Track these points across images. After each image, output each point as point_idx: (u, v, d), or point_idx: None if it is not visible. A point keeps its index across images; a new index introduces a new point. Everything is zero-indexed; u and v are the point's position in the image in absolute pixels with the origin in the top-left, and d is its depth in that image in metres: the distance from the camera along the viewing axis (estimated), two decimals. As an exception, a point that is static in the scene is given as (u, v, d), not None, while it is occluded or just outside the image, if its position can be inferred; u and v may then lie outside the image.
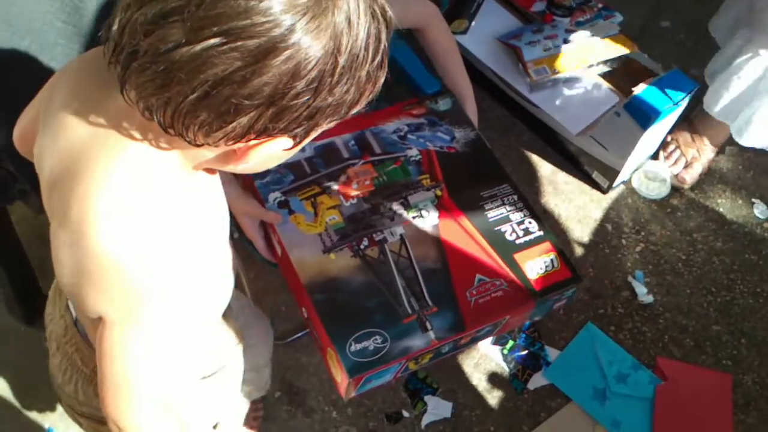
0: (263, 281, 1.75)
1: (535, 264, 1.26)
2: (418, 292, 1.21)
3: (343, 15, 0.65)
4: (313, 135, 0.75)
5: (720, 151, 2.09)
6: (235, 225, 1.25)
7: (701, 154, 2.03)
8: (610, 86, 1.83)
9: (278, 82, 0.64)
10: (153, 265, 0.73)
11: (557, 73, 1.76)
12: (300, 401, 1.70)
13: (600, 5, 1.89)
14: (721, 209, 2.03)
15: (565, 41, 1.82)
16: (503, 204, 1.32)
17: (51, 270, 1.47)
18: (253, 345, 1.30)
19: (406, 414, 1.69)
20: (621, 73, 1.85)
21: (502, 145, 2.03)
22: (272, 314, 1.75)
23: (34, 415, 1.69)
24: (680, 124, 2.04)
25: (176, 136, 0.69)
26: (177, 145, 0.73)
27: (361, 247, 1.24)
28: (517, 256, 1.26)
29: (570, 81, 1.81)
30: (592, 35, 1.83)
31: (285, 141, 0.71)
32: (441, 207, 1.30)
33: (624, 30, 1.89)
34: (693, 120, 2.05)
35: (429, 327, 1.17)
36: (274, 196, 1.27)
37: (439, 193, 1.32)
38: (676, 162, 2.05)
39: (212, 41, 0.62)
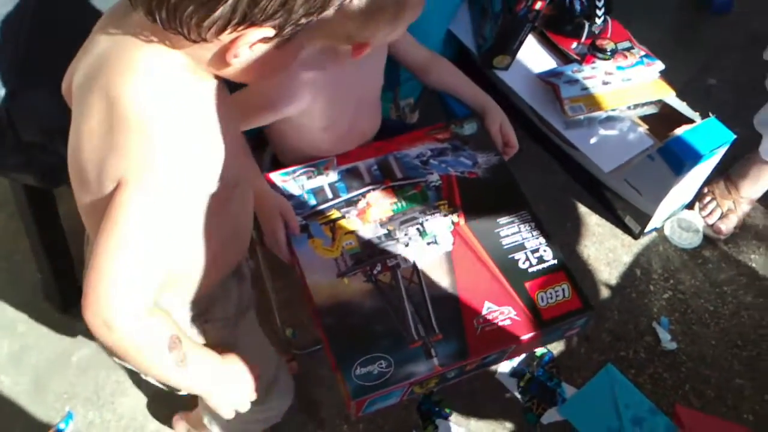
0: (287, 292, 1.79)
1: (546, 293, 1.28)
2: (426, 318, 1.23)
3: None
4: (307, 39, 0.85)
5: (756, 206, 2.08)
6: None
7: (737, 206, 2.03)
8: (645, 129, 1.84)
9: None
10: (169, 133, 0.80)
11: (593, 111, 1.79)
12: (313, 413, 1.72)
13: (642, 52, 1.92)
14: (753, 264, 2.01)
15: (604, 83, 1.84)
16: (519, 231, 1.35)
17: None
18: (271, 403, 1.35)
19: (416, 435, 1.70)
20: (658, 118, 1.86)
21: (536, 184, 2.05)
22: (295, 324, 1.79)
23: (56, 398, 1.74)
24: (717, 176, 2.04)
25: (176, 34, 0.77)
26: (181, 45, 0.80)
27: (374, 272, 1.28)
28: (528, 285, 1.28)
29: (605, 121, 1.83)
30: (631, 79, 1.86)
31: (267, 30, 0.77)
32: (456, 234, 1.33)
33: (671, 83, 1.91)
34: (731, 173, 2.05)
35: (433, 354, 1.20)
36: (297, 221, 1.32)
37: (455, 219, 1.35)
38: (711, 213, 2.05)
39: None
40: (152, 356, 0.89)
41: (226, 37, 0.78)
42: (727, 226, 2.04)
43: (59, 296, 1.82)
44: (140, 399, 1.74)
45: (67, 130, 1.39)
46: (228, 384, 1.04)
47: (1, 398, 1.75)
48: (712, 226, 2.04)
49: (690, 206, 2.08)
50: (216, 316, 1.12)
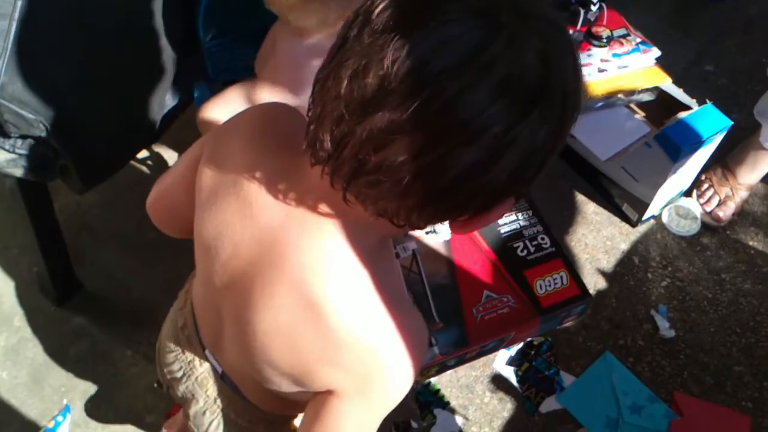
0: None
1: (545, 281, 1.27)
2: (426, 308, 1.23)
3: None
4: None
5: (753, 192, 2.08)
6: None
7: (735, 193, 2.02)
8: (642, 117, 1.84)
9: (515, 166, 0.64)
10: (386, 339, 0.73)
11: (589, 99, 1.78)
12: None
13: (638, 39, 1.91)
14: (752, 251, 2.01)
15: (600, 70, 1.83)
16: (517, 219, 1.34)
17: (85, 258, 1.52)
18: None
19: (414, 425, 1.70)
20: (655, 106, 1.86)
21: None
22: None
23: (53, 391, 1.74)
24: (714, 163, 2.04)
25: (378, 218, 0.68)
26: (376, 223, 0.70)
27: None
28: (527, 273, 1.28)
29: (602, 109, 1.83)
30: (628, 66, 1.85)
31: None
32: None
33: (667, 70, 1.90)
34: (728, 160, 2.05)
35: (434, 342, 1.19)
36: None
37: None
38: (709, 200, 2.04)
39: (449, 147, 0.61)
40: None
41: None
42: (725, 212, 2.03)
43: (55, 290, 1.82)
44: (138, 391, 1.73)
45: (59, 123, 1.39)
46: None
47: (-1, 392, 1.75)
48: (710, 213, 2.04)
49: (688, 193, 2.07)
50: None
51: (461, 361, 1.26)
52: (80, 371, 1.76)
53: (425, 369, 1.20)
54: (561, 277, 1.28)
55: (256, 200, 0.75)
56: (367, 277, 0.72)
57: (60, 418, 1.68)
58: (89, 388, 1.74)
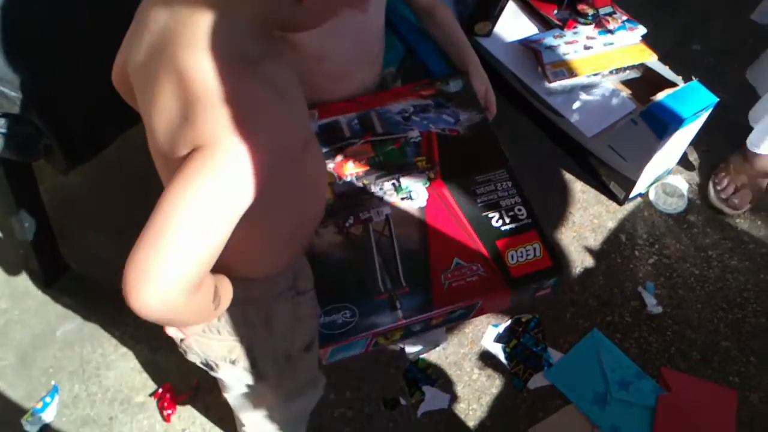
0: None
1: (517, 252, 1.27)
2: (394, 272, 1.24)
3: None
4: None
5: None
6: None
7: (752, 181, 2.02)
8: (628, 94, 1.84)
9: None
10: (242, 101, 0.73)
11: (575, 76, 1.79)
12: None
13: (624, 17, 1.91)
14: (739, 228, 2.02)
15: (586, 47, 1.84)
16: (495, 190, 1.34)
17: (72, 240, 1.50)
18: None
19: (403, 402, 1.70)
20: (641, 83, 1.86)
21: (521, 153, 2.04)
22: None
23: (41, 372, 1.74)
24: (733, 150, 2.05)
25: None
26: (245, 4, 0.76)
27: (347, 224, 1.28)
28: (500, 243, 1.28)
29: (588, 87, 1.83)
30: (614, 44, 1.85)
31: None
32: (432, 189, 1.33)
33: (654, 49, 1.90)
34: (746, 147, 2.02)
35: (398, 306, 1.20)
36: None
37: (432, 175, 1.35)
38: (725, 188, 2.03)
39: None
40: (199, 317, 0.87)
41: None
42: (742, 200, 2.02)
43: (42, 272, 1.81)
44: (126, 372, 1.73)
45: (41, 101, 1.38)
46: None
47: (-14, 374, 1.75)
48: (726, 200, 2.03)
49: (679, 170, 2.07)
50: (305, 288, 1.09)
51: (427, 327, 1.26)
52: (68, 353, 1.76)
53: (388, 332, 1.21)
54: (534, 249, 1.28)
55: (151, 18, 0.80)
56: (235, 46, 0.75)
57: (48, 399, 1.68)
58: (77, 369, 1.74)
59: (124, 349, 1.76)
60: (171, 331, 1.03)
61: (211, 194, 0.72)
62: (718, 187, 2.04)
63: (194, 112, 0.73)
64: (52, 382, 1.71)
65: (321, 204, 1.06)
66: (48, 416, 1.66)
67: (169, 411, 1.66)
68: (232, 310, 0.99)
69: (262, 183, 0.75)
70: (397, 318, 1.19)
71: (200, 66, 0.73)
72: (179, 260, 0.72)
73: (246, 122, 0.73)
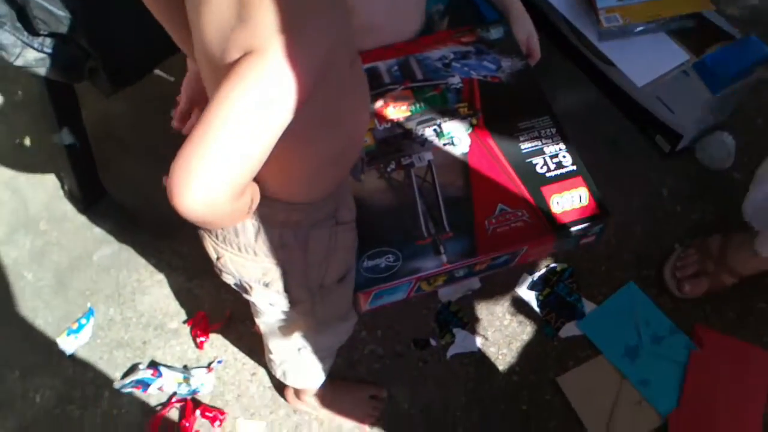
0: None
1: (563, 198, 1.25)
2: (437, 217, 1.22)
3: None
4: None
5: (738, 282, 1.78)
6: None
7: (716, 275, 1.77)
8: (681, 45, 1.78)
9: None
10: (300, 7, 0.70)
11: (629, 22, 1.73)
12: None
13: (683, -36, 1.85)
14: (784, 189, 1.97)
15: (642, -6, 1.78)
16: (539, 136, 1.31)
17: (110, 167, 1.47)
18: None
19: (433, 343, 1.71)
20: (696, 33, 1.80)
21: (565, 101, 2.00)
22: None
23: (78, 294, 1.76)
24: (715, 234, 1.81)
25: None
26: None
27: (388, 169, 1.26)
28: (545, 189, 1.26)
29: (640, 35, 1.78)
30: (670, -9, 1.79)
31: None
32: (474, 136, 1.30)
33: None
34: (729, 239, 1.78)
35: (442, 251, 1.18)
36: None
37: (474, 122, 1.32)
38: (684, 267, 1.78)
39: None
40: (234, 221, 0.89)
41: None
42: (693, 289, 1.77)
43: (81, 195, 1.82)
44: (160, 298, 1.75)
45: (89, 21, 1.37)
46: None
47: (25, 293, 1.78)
48: (679, 279, 1.78)
49: (727, 126, 2.01)
50: (345, 219, 1.07)
51: (470, 273, 1.24)
52: (104, 276, 1.79)
53: (432, 277, 1.20)
54: (580, 195, 1.26)
55: None
56: None
57: (84, 321, 1.70)
58: (113, 293, 1.76)
59: (159, 276, 1.78)
60: (209, 248, 1.03)
61: (257, 100, 0.70)
62: (678, 263, 1.80)
63: (248, 11, 0.70)
64: (88, 305, 1.74)
65: (363, 129, 1.04)
66: (83, 337, 1.69)
67: (202, 339, 1.68)
68: (269, 232, 0.98)
69: (307, 93, 0.73)
70: (442, 262, 1.18)
71: None
72: (226, 164, 0.71)
73: (300, 27, 0.70)
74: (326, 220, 1.03)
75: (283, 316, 1.17)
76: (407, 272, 1.17)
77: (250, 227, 0.97)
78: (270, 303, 1.12)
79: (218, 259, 1.05)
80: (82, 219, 1.86)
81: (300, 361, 1.34)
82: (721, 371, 1.69)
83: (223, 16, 0.72)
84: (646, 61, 1.77)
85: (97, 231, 1.84)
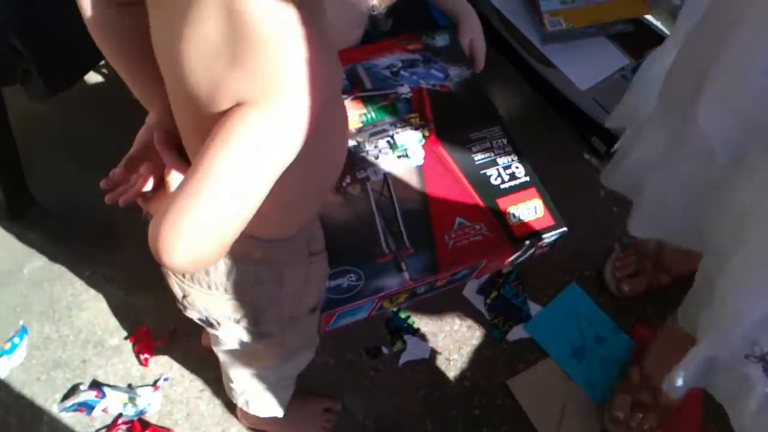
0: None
1: (518, 210, 1.26)
2: (397, 232, 1.21)
3: None
4: None
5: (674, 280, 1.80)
6: None
7: (655, 274, 1.81)
8: (621, 49, 1.82)
9: None
10: (302, 53, 0.66)
11: (572, 26, 1.75)
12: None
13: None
14: (713, 188, 2.04)
15: (581, -2, 1.81)
16: (491, 147, 1.32)
17: (36, 172, 1.39)
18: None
19: (385, 350, 1.69)
20: (634, 38, 1.84)
21: (504, 103, 2.02)
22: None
23: (9, 310, 1.66)
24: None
25: None
26: None
27: (344, 184, 1.23)
28: (500, 201, 1.26)
29: (582, 39, 1.81)
30: (611, -4, 1.83)
31: None
32: (428, 147, 1.30)
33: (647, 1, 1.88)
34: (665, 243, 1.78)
35: (404, 267, 1.17)
36: None
37: (427, 133, 1.31)
38: (625, 266, 1.81)
39: None
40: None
41: None
42: (632, 288, 1.80)
43: (8, 205, 1.71)
44: (99, 313, 1.67)
45: (23, 23, 1.28)
46: None
47: (-52, 311, 1.66)
48: (618, 279, 1.80)
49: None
50: (317, 249, 1.04)
51: (431, 289, 1.24)
52: (36, 291, 1.69)
53: (394, 295, 1.19)
54: (535, 207, 1.28)
55: None
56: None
57: (17, 340, 1.61)
58: (47, 309, 1.67)
59: (95, 290, 1.70)
60: (174, 286, 0.98)
61: (255, 159, 0.67)
62: (617, 263, 1.82)
63: (243, 58, 0.65)
64: (21, 322, 1.64)
65: (342, 163, 1.00)
66: (17, 358, 1.60)
67: (146, 355, 1.61)
68: (244, 270, 0.94)
69: (305, 140, 0.70)
70: (405, 280, 1.16)
71: (260, 8, 0.64)
72: (219, 223, 0.68)
73: (299, 76, 0.66)
74: (301, 252, 1.00)
75: (246, 346, 1.13)
76: (370, 292, 1.15)
77: (222, 265, 0.93)
78: (236, 337, 1.08)
79: (184, 297, 1.00)
80: (10, 229, 1.74)
81: (263, 390, 1.30)
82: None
83: (210, 48, 0.66)
84: (588, 66, 1.80)
85: (27, 242, 1.73)
